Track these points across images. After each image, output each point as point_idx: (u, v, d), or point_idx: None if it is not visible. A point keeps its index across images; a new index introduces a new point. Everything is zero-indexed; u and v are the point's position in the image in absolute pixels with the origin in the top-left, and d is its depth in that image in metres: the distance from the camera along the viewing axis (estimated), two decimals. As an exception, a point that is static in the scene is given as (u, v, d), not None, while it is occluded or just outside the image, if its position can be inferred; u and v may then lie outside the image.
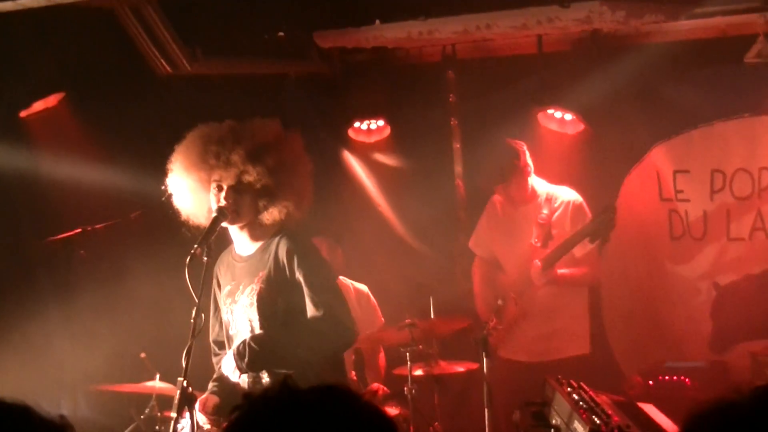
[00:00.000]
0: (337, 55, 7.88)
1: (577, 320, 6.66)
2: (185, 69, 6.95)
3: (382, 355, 7.11)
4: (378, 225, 8.06)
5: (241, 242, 5.02)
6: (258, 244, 4.96)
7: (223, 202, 4.77)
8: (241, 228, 4.94)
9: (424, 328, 6.39)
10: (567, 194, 6.67)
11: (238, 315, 4.97)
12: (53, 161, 6.71)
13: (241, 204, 4.80)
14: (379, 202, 8.13)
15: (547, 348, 6.57)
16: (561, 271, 6.45)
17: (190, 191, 4.91)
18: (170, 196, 4.96)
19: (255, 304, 4.88)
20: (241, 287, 4.98)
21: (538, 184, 6.72)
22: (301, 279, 4.80)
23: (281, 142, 4.92)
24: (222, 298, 5.09)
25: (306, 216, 5.01)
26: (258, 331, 4.87)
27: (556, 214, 6.60)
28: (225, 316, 5.06)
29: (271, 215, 4.86)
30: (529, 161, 6.67)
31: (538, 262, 6.42)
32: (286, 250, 4.84)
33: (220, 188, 4.79)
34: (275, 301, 4.86)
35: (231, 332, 5.03)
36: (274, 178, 4.79)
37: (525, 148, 6.69)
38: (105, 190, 6.81)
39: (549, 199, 6.65)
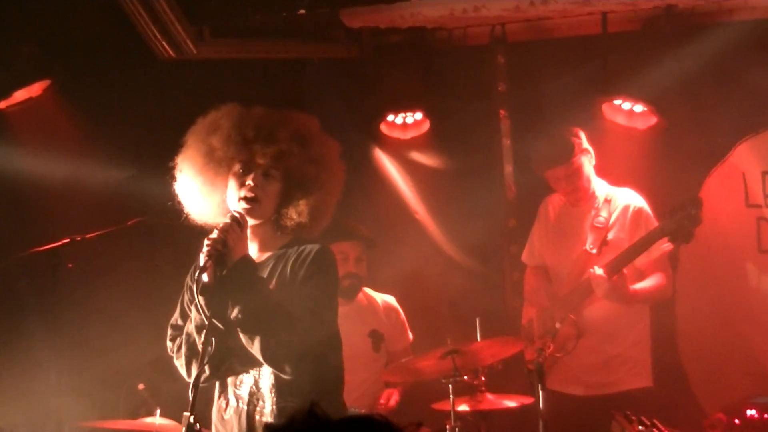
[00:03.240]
0: (368, 36, 7.87)
1: (638, 345, 6.61)
2: (190, 52, 7.04)
3: None
4: (415, 234, 8.02)
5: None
6: (266, 255, 4.71)
7: (250, 184, 4.54)
8: (254, 230, 4.68)
9: (468, 354, 6.28)
10: (627, 197, 6.66)
11: None
12: (37, 159, 6.78)
13: (268, 192, 4.58)
14: (416, 207, 8.11)
15: (606, 380, 6.54)
16: (635, 287, 6.39)
17: (208, 172, 4.63)
18: (178, 179, 4.71)
19: None
20: None
21: (598, 184, 6.72)
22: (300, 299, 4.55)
23: (323, 137, 4.79)
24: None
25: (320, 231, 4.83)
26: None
27: (614, 216, 6.59)
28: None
29: (298, 214, 4.63)
30: (590, 148, 6.62)
31: (598, 269, 6.34)
32: (305, 258, 4.60)
33: (247, 170, 4.57)
34: None
35: None
36: (315, 169, 4.63)
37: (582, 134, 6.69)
38: (97, 193, 6.91)
39: (608, 201, 6.65)
